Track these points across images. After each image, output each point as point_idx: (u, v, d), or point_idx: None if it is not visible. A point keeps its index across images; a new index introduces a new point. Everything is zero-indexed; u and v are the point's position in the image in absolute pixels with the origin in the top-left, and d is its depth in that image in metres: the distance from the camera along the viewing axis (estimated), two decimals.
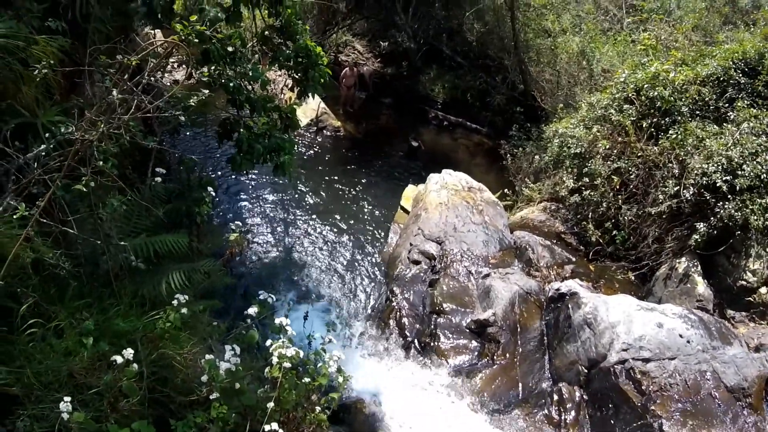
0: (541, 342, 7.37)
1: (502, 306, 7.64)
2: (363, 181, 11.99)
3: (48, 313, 3.94)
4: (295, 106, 6.59)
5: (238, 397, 4.00)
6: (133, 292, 4.65)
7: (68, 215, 4.13)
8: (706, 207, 7.74)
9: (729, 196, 7.49)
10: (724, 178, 7.54)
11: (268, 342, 4.38)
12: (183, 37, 5.05)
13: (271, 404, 3.92)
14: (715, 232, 7.54)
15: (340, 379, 4.52)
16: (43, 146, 4.13)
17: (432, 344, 7.47)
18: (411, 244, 9.09)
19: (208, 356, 4.08)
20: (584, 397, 6.50)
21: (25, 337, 3.73)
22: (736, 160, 7.61)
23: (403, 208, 10.85)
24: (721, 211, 7.41)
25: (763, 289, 7.41)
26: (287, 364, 4.03)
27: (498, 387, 6.90)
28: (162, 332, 4.10)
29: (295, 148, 6.81)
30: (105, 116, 4.23)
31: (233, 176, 10.73)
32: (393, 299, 8.25)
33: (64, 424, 3.28)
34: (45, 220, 4.01)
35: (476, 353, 7.36)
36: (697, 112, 8.70)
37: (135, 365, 3.66)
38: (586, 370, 6.56)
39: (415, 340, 7.66)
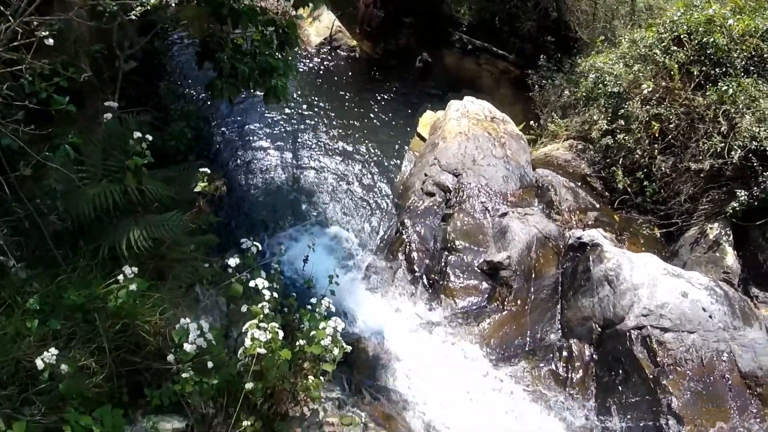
0: (555, 291, 7.05)
1: (518, 249, 7.27)
2: (378, 104, 11.29)
3: None
4: (295, 21, 5.75)
5: (214, 372, 3.55)
6: (92, 252, 3.96)
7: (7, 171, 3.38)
8: (750, 173, 7.15)
9: None
10: None
11: (244, 308, 3.94)
12: None
13: (249, 385, 3.54)
14: (756, 202, 6.99)
15: (335, 351, 4.03)
16: None
17: (441, 282, 7.17)
18: (426, 175, 8.59)
19: (183, 320, 3.58)
20: (594, 356, 6.24)
21: None
22: None
23: (419, 135, 10.27)
24: (767, 182, 6.86)
25: None
26: (261, 350, 3.57)
27: (506, 334, 6.65)
28: (116, 309, 3.56)
29: (296, 70, 5.97)
30: None
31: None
32: (403, 231, 7.87)
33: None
34: None
35: (486, 296, 7.06)
36: (752, 68, 7.88)
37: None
38: (599, 329, 6.26)
39: (424, 277, 7.35)
